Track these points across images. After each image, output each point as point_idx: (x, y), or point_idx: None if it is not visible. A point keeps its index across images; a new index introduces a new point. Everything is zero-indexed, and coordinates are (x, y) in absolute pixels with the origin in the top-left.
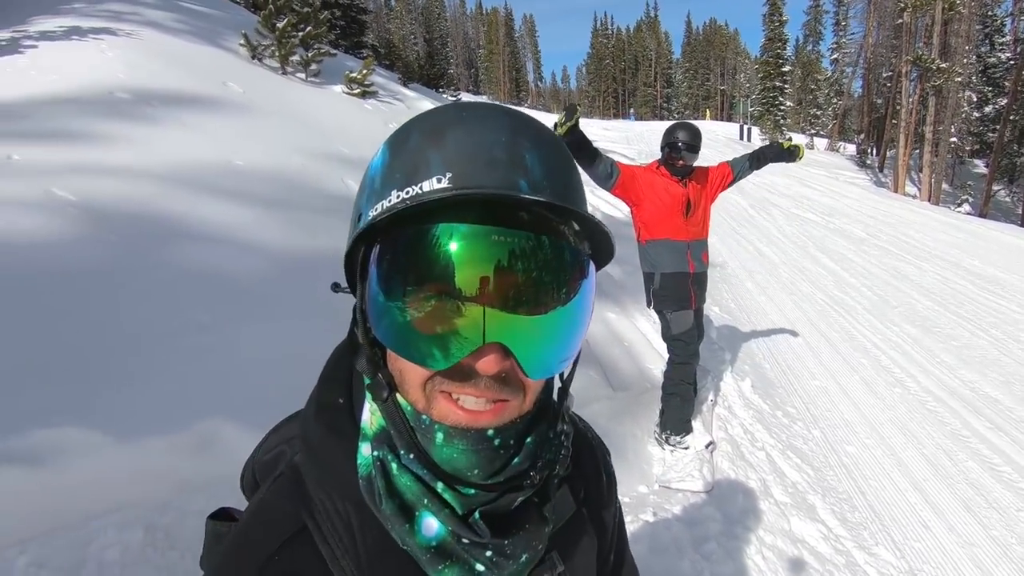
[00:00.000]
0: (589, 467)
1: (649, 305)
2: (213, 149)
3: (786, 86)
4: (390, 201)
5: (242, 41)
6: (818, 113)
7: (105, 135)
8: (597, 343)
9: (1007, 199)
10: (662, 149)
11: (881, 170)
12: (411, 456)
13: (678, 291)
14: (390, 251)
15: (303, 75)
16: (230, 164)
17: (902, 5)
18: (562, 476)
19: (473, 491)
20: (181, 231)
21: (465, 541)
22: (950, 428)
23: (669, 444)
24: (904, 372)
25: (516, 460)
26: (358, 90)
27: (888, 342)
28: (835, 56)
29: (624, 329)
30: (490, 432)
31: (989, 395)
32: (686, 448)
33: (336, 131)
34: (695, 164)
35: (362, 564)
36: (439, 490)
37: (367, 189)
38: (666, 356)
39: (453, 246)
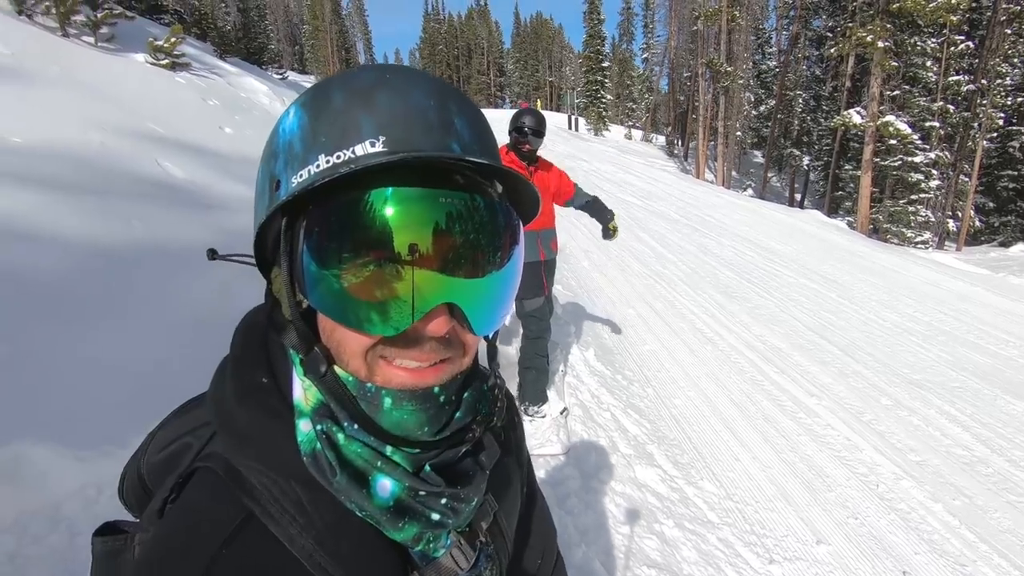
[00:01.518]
0: (507, 411)
1: None
2: None
3: (606, 80)
4: (318, 166)
5: None
6: (633, 107)
7: None
8: None
9: (777, 184)
10: (509, 134)
11: (686, 159)
12: (355, 426)
13: (531, 280)
14: (332, 219)
15: (91, 39)
16: (5, 141)
17: (696, 14)
18: (497, 427)
19: (418, 450)
20: None
21: (422, 493)
22: (749, 375)
23: (528, 414)
24: (713, 332)
25: (458, 415)
26: (166, 60)
27: (700, 307)
28: (645, 55)
29: None
30: (436, 389)
31: (775, 345)
32: (543, 416)
33: (144, 106)
34: (539, 151)
35: (322, 538)
36: (388, 453)
37: (282, 154)
38: (520, 333)
39: (403, 211)
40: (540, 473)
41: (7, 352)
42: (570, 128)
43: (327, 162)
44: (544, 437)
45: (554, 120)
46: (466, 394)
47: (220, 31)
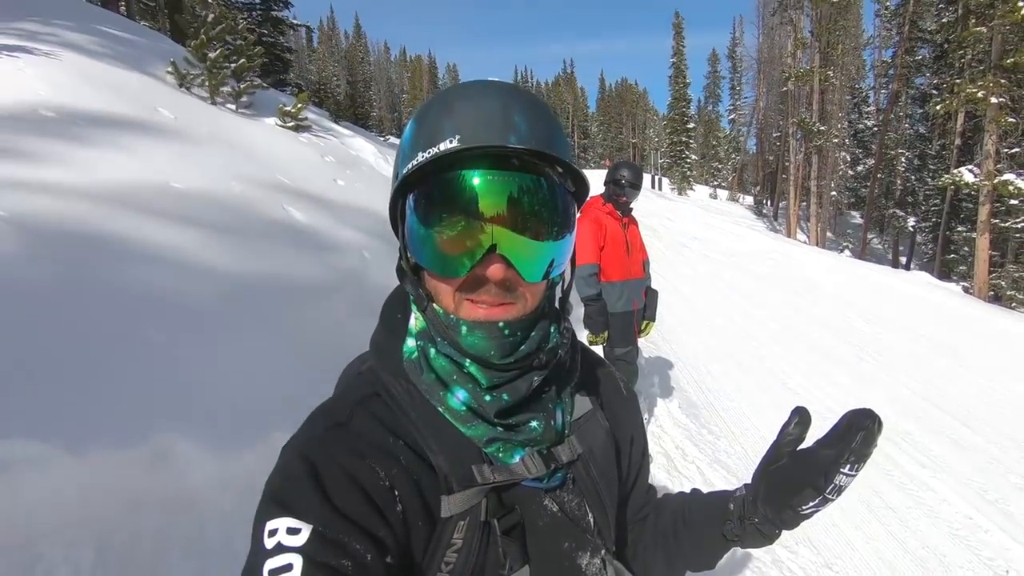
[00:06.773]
0: (608, 386)
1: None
2: (149, 171)
3: (691, 141)
4: (417, 160)
5: (170, 69)
6: (719, 166)
7: (33, 152)
8: None
9: (879, 246)
10: (606, 185)
11: (775, 219)
12: (444, 342)
13: (624, 329)
14: (422, 195)
15: (233, 106)
16: (168, 186)
17: (786, 75)
18: (569, 367)
19: (493, 370)
20: (123, 251)
21: (486, 399)
22: None
23: None
24: (807, 392)
25: (523, 347)
26: (292, 123)
27: (792, 366)
28: (732, 116)
29: None
30: (500, 324)
31: (879, 410)
32: None
33: (273, 161)
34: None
35: (413, 419)
36: (467, 366)
37: (401, 154)
38: None
39: (465, 186)
40: None
41: (164, 359)
42: (653, 188)
43: (422, 156)
44: None
45: None
46: (534, 332)
47: (335, 98)
